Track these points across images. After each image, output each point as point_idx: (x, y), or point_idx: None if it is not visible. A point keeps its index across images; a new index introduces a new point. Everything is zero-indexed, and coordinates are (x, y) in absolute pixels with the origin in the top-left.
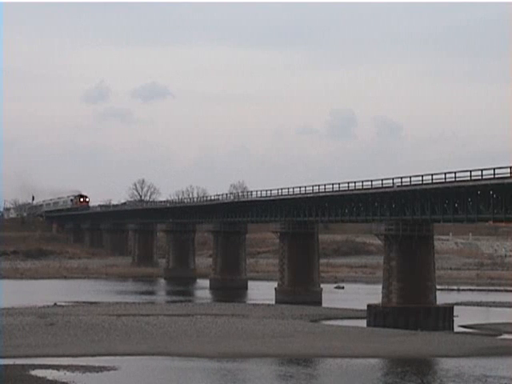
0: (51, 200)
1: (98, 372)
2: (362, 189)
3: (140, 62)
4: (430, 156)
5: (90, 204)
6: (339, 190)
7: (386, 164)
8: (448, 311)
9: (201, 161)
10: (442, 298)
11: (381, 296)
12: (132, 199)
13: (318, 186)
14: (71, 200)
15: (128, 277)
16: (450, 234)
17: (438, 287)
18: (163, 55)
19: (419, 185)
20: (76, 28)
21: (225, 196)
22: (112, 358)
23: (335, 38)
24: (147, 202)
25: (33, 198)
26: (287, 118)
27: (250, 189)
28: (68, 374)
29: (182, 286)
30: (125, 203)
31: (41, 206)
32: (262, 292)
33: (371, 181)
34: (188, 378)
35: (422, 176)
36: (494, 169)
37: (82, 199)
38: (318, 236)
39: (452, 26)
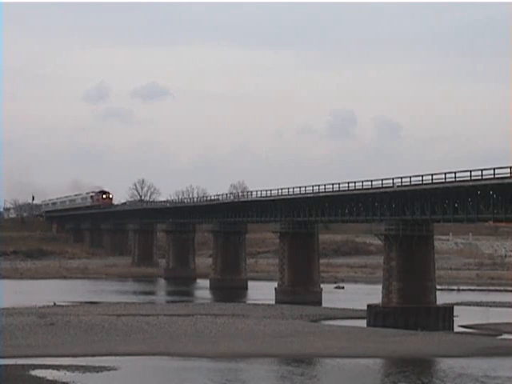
0: (66, 197)
1: (98, 372)
2: (362, 189)
3: (140, 62)
4: (430, 156)
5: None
6: (339, 190)
7: (386, 164)
8: (448, 311)
9: (201, 161)
10: (442, 298)
11: (381, 296)
12: (132, 199)
13: (318, 186)
14: (91, 197)
15: (128, 277)
16: (450, 234)
17: (438, 287)
18: (163, 55)
19: (419, 185)
20: (76, 28)
21: (225, 196)
22: (112, 358)
23: (335, 39)
24: (147, 201)
25: (33, 198)
26: (287, 118)
27: (250, 189)
28: (68, 373)
29: (181, 285)
30: (125, 203)
31: (54, 203)
32: (261, 292)
33: (371, 181)
34: (188, 378)
35: (422, 176)
36: (494, 169)
37: (104, 196)
38: (318, 236)
39: (452, 26)
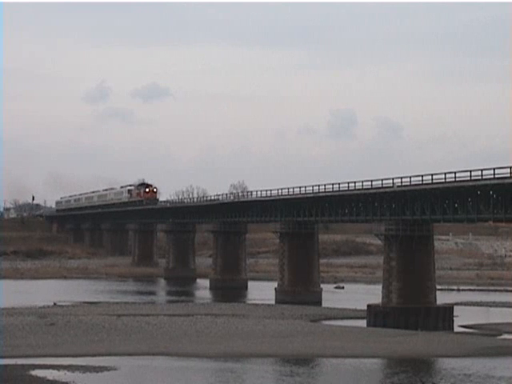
0: (93, 193)
1: (98, 372)
2: (362, 189)
3: (141, 62)
4: (430, 156)
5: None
6: (339, 190)
7: (386, 164)
8: (448, 311)
9: (201, 161)
10: (442, 298)
11: (381, 296)
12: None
13: (318, 186)
14: (129, 191)
15: (128, 277)
16: (450, 234)
17: (438, 287)
18: (164, 55)
19: (419, 185)
20: (77, 28)
21: (225, 196)
22: (112, 358)
23: (336, 39)
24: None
25: (33, 198)
26: (288, 118)
27: (250, 189)
28: (68, 373)
29: (182, 286)
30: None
31: (77, 200)
32: (261, 292)
33: (371, 181)
34: (188, 378)
35: (422, 176)
36: (494, 169)
37: (147, 189)
38: (318, 236)
39: (452, 26)
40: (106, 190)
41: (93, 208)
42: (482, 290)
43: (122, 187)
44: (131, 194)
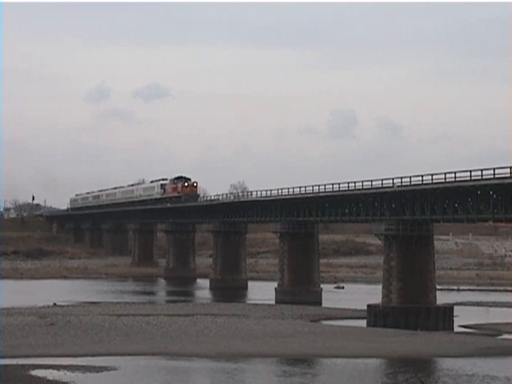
0: (116, 189)
1: (98, 372)
2: (362, 189)
3: (141, 62)
4: (430, 156)
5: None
6: (339, 190)
7: (387, 164)
8: (448, 311)
9: (201, 161)
10: (442, 298)
11: (381, 296)
12: None
13: (318, 186)
14: (161, 186)
15: (128, 277)
16: (450, 234)
17: (438, 287)
18: (165, 55)
19: (419, 185)
20: (77, 28)
21: (225, 196)
22: (112, 358)
23: (336, 39)
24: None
25: (33, 198)
26: (288, 118)
27: (250, 189)
28: (68, 373)
29: (182, 286)
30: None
31: (96, 197)
32: (262, 292)
33: (371, 181)
34: (188, 378)
35: (422, 176)
36: (494, 169)
37: (186, 184)
38: (318, 236)
39: (452, 26)
40: (131, 185)
41: (115, 206)
42: (482, 290)
43: (152, 182)
44: (165, 190)
